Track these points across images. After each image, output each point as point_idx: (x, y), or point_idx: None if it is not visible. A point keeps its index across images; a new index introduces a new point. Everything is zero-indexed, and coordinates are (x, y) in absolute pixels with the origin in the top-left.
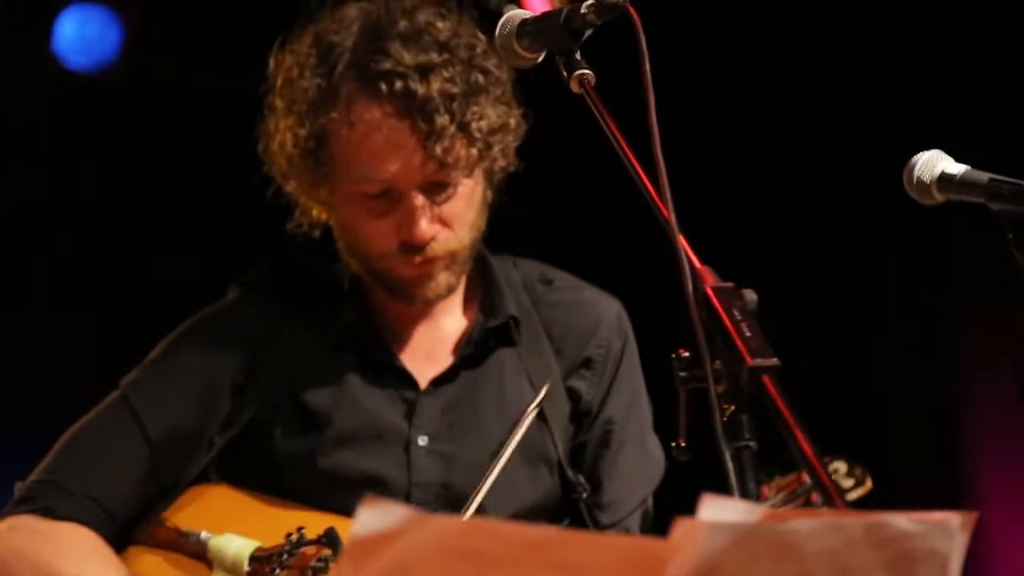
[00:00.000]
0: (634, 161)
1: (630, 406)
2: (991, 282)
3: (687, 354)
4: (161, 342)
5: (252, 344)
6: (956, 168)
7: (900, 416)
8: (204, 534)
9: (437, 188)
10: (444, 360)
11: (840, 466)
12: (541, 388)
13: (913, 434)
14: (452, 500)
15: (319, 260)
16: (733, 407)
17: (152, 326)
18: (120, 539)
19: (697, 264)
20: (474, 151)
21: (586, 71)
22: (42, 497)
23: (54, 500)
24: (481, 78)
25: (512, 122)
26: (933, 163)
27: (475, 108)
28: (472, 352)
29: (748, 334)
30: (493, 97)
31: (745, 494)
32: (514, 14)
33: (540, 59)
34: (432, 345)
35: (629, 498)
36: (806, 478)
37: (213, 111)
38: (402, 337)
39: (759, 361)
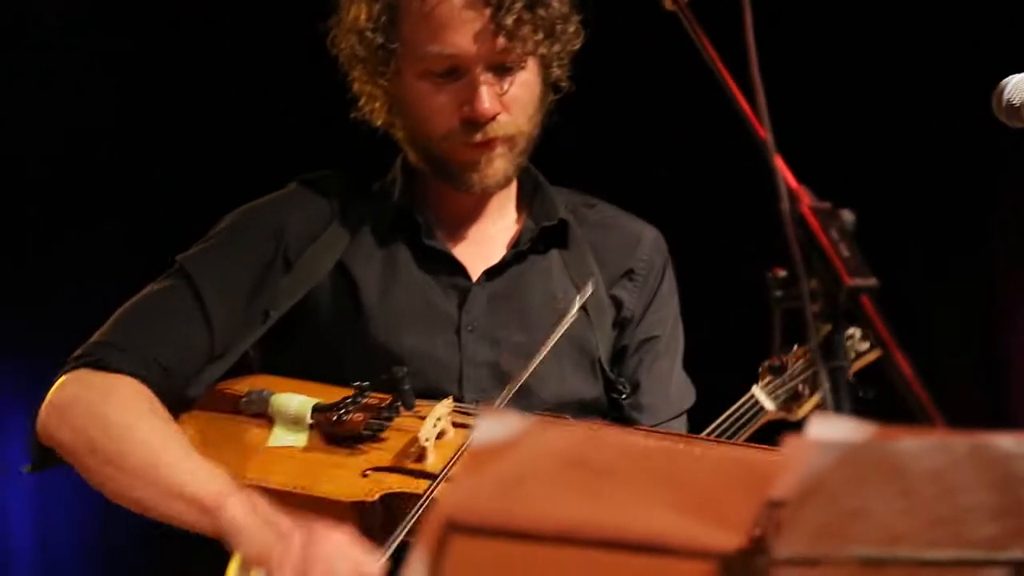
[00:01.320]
0: (729, 80)
1: (668, 324)
2: None
3: (783, 273)
4: (219, 222)
5: (307, 225)
6: None
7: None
8: (266, 391)
9: (501, 70)
10: (495, 254)
11: (855, 331)
12: (585, 287)
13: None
14: (503, 380)
15: (376, 166)
16: (829, 327)
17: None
18: (176, 405)
19: (793, 184)
20: (540, 34)
21: None
22: (98, 352)
23: (110, 356)
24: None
25: (573, 22)
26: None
27: (544, 16)
28: (523, 250)
29: (846, 254)
30: None
31: (839, 412)
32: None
33: None
34: (484, 240)
35: (666, 404)
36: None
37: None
38: (455, 230)
39: (858, 281)
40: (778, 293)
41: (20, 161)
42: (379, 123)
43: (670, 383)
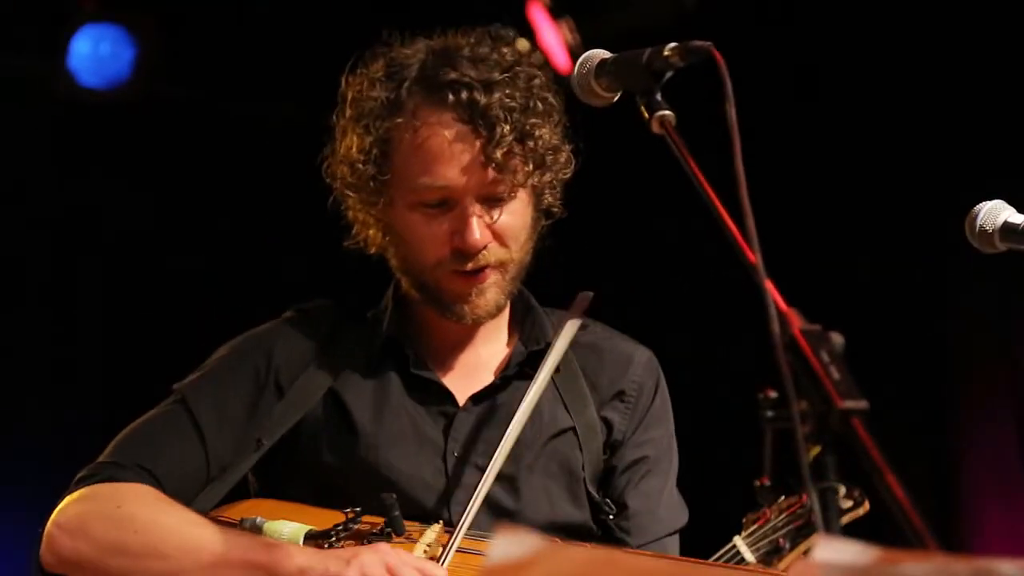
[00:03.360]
0: (718, 203)
1: (660, 444)
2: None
3: (773, 394)
4: (215, 352)
5: (300, 353)
6: (1019, 218)
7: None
8: (259, 519)
9: (492, 201)
10: (483, 380)
11: (840, 488)
12: (579, 413)
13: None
14: (489, 504)
15: (370, 295)
16: (819, 448)
17: (160, 339)
18: None
19: (783, 306)
20: (529, 165)
21: (667, 112)
22: (101, 472)
23: (117, 472)
24: (539, 103)
25: (563, 154)
26: (996, 213)
27: (533, 121)
28: (512, 375)
29: (837, 376)
30: (550, 122)
31: (830, 533)
32: (593, 53)
33: (616, 99)
34: (473, 366)
35: (655, 523)
36: (806, 500)
37: (224, 131)
38: (443, 356)
39: (849, 404)
40: (769, 414)
41: None
42: (372, 250)
43: (660, 502)
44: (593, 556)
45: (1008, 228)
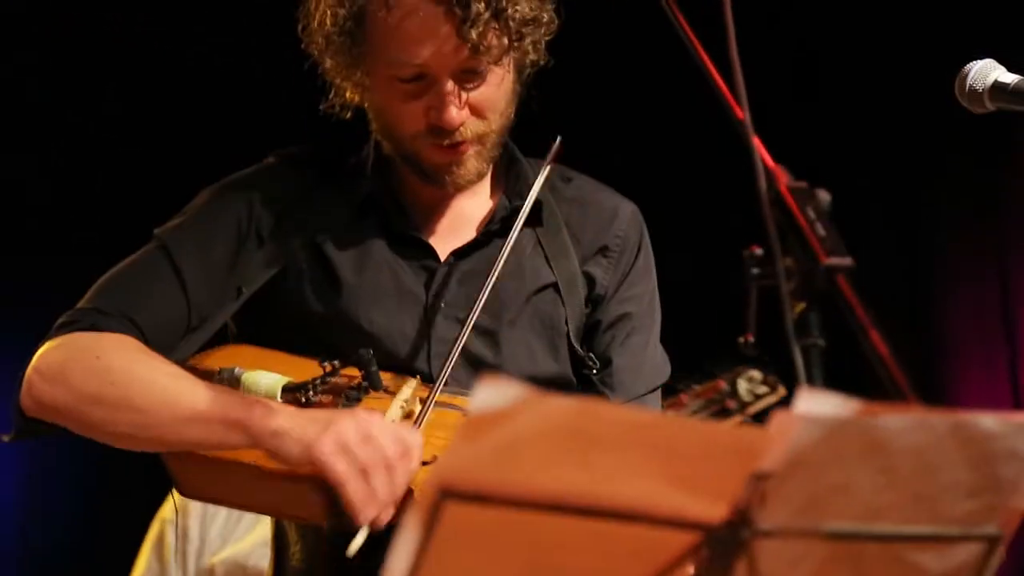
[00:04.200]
0: (708, 60)
1: (643, 300)
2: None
3: (759, 251)
4: (196, 197)
5: (282, 202)
6: (1009, 77)
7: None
8: (237, 369)
9: (469, 75)
10: (466, 236)
11: (755, 374)
12: (561, 269)
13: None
14: (468, 359)
15: (351, 142)
16: (803, 305)
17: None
18: None
19: (770, 163)
20: (506, 40)
21: None
22: (82, 318)
23: (95, 319)
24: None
25: (545, 16)
26: (986, 72)
27: (512, 11)
28: (495, 229)
29: (823, 233)
30: None
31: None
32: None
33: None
34: (455, 222)
35: (639, 380)
36: (723, 385)
37: None
38: (425, 214)
39: (834, 260)
40: (754, 270)
41: None
42: (349, 115)
43: (644, 359)
44: (577, 407)
45: (998, 87)
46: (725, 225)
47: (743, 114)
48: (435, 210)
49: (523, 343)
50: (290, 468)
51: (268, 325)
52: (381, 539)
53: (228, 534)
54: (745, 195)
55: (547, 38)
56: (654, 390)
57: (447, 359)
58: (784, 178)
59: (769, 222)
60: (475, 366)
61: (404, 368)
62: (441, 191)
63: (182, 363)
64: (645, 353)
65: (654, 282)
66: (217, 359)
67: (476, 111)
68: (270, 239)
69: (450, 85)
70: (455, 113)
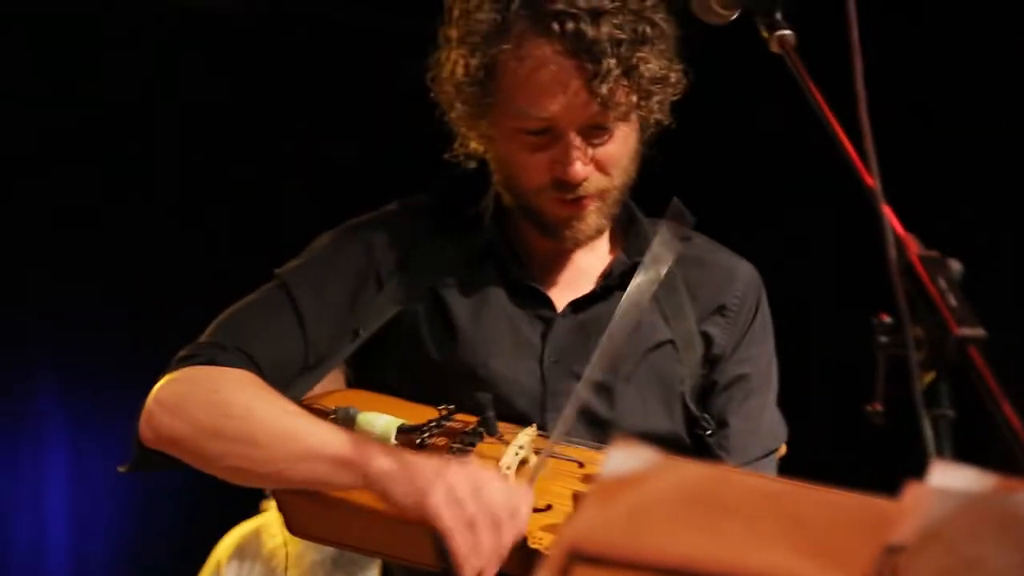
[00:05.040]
0: (836, 125)
1: (760, 361)
2: None
3: (888, 319)
4: (317, 239)
5: (402, 248)
6: None
7: None
8: (352, 409)
9: (595, 131)
10: (583, 289)
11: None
12: (678, 326)
13: None
14: (584, 413)
15: (472, 192)
16: (933, 375)
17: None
18: None
19: (901, 231)
20: (634, 97)
21: (787, 31)
22: (202, 352)
23: (214, 354)
24: (649, 29)
25: (672, 76)
26: None
27: (641, 54)
28: (614, 284)
29: (954, 303)
30: (658, 49)
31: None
32: None
33: (735, 16)
34: (573, 275)
35: (754, 444)
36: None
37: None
38: (543, 266)
39: (966, 331)
40: (883, 339)
41: None
42: (473, 164)
43: (760, 422)
44: (710, 473)
45: None
46: (852, 291)
47: (873, 181)
48: (553, 263)
49: (638, 399)
50: (399, 512)
51: (384, 369)
52: None
53: None
54: (875, 263)
55: (674, 98)
56: (770, 454)
57: (563, 410)
58: (915, 246)
59: (899, 290)
60: (590, 420)
61: (518, 418)
62: (560, 245)
63: (297, 402)
64: (762, 416)
65: (771, 344)
66: (332, 400)
67: (600, 167)
68: (389, 283)
69: (577, 139)
70: (580, 168)
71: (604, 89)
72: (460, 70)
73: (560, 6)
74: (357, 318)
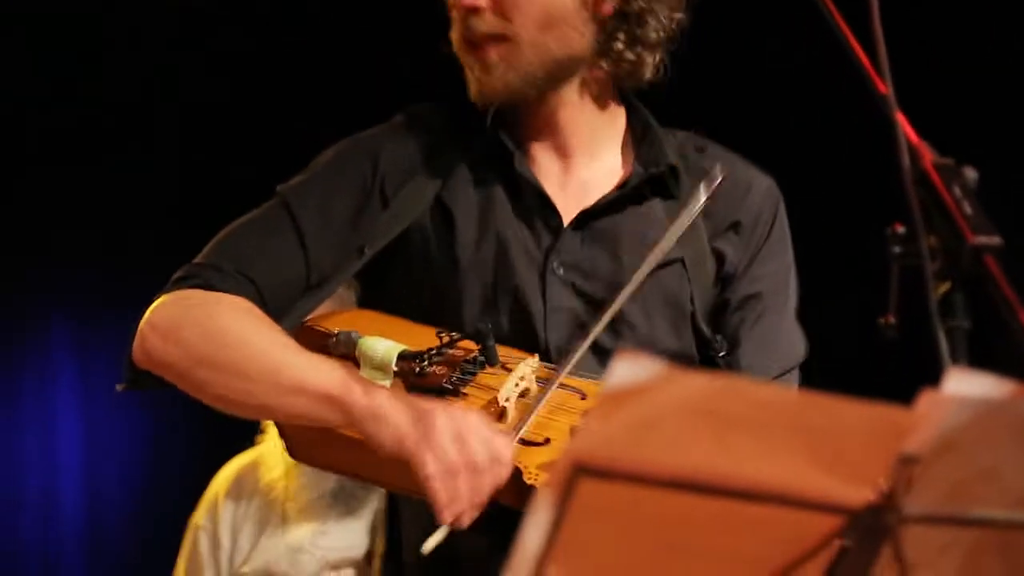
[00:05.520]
0: (847, 30)
1: (776, 278)
2: None
3: (902, 229)
4: (321, 155)
5: (408, 161)
6: None
7: None
8: (355, 333)
9: None
10: (592, 197)
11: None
12: (683, 240)
13: None
14: (583, 329)
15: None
16: (948, 285)
17: None
18: None
19: (915, 139)
20: None
21: None
22: (199, 274)
23: (211, 277)
24: None
25: None
26: None
27: None
28: (626, 195)
29: (969, 212)
30: None
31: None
32: None
33: None
34: (585, 183)
35: (768, 364)
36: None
37: None
38: (555, 170)
39: (981, 239)
40: (897, 249)
41: None
42: None
43: (777, 339)
44: (717, 385)
45: None
46: (867, 202)
47: (886, 88)
48: (565, 166)
49: (644, 319)
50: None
51: (393, 288)
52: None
53: (255, 541)
54: (887, 171)
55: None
56: (787, 372)
57: (563, 331)
58: (929, 155)
59: (913, 200)
60: (591, 347)
61: (522, 335)
62: (561, 133)
63: (300, 322)
64: (779, 334)
65: (789, 258)
66: (337, 322)
67: (499, 6)
68: (395, 199)
69: None
70: None
71: None
72: None
73: None
74: (362, 235)
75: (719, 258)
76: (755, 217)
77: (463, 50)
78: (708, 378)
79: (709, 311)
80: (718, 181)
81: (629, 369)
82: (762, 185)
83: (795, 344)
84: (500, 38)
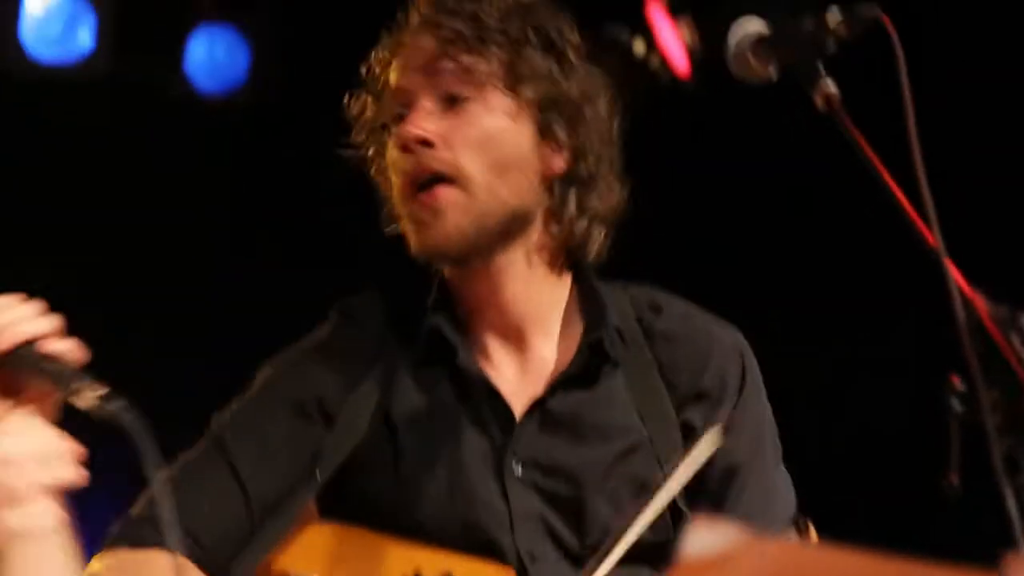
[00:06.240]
0: (891, 183)
1: (752, 444)
2: None
3: (960, 384)
4: (257, 374)
5: (347, 372)
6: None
7: None
8: None
9: (449, 101)
10: (541, 378)
11: None
12: (655, 421)
13: None
14: (554, 536)
15: (423, 278)
16: (1012, 441)
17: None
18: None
19: (968, 290)
20: (494, 64)
21: (832, 89)
22: (133, 531)
23: (145, 532)
24: (533, 32)
25: (558, 69)
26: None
27: (509, 34)
28: (575, 373)
29: None
30: (549, 50)
31: None
32: (748, 21)
33: (774, 76)
34: (537, 361)
35: (765, 529)
36: None
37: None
38: (503, 353)
39: None
40: (956, 405)
41: None
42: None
43: (765, 504)
44: (792, 551)
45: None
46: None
47: (935, 240)
48: (506, 346)
49: (612, 510)
50: None
51: (348, 501)
52: None
53: None
54: (941, 322)
55: (569, 97)
56: (783, 528)
57: (532, 534)
58: (983, 305)
59: (969, 353)
60: (557, 539)
61: (490, 543)
62: (506, 313)
63: (264, 555)
64: (766, 497)
65: (765, 412)
66: (293, 557)
67: (447, 141)
68: (339, 415)
69: (427, 104)
70: (421, 124)
71: (453, 48)
72: (363, 108)
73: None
74: (310, 462)
75: (688, 431)
76: (721, 383)
77: (405, 195)
78: (786, 543)
79: (683, 489)
80: (717, 440)
81: (708, 536)
82: (725, 343)
83: (785, 501)
84: (451, 180)
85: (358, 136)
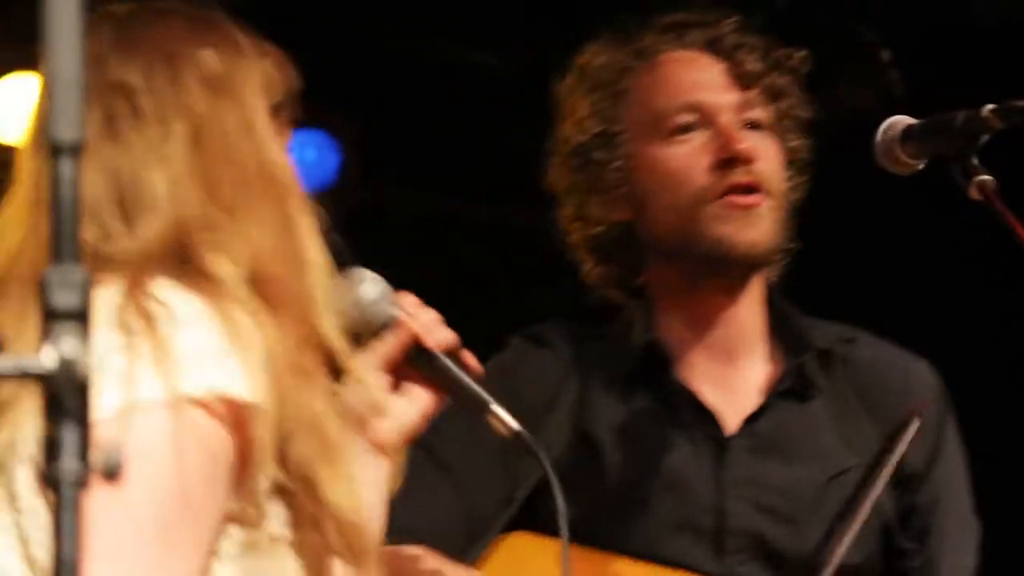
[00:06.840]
0: None
1: (956, 470)
2: None
3: None
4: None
5: (540, 394)
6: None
7: None
8: None
9: (752, 127)
10: (751, 398)
11: None
12: (860, 448)
13: None
14: (768, 556)
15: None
16: None
17: None
18: None
19: None
20: (772, 106)
21: (987, 177)
22: None
23: None
24: (787, 74)
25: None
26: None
27: (779, 78)
28: (787, 389)
29: None
30: (793, 88)
31: None
32: (898, 119)
33: (922, 166)
34: (744, 384)
35: (961, 567)
36: None
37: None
38: (713, 374)
39: None
40: None
41: None
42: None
43: (962, 541)
44: None
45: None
46: None
47: None
48: (715, 361)
49: (825, 533)
50: None
51: (540, 519)
52: None
53: None
54: None
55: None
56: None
57: (745, 553)
58: None
59: None
60: (771, 558)
61: (696, 562)
62: (712, 338)
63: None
64: (965, 531)
65: (959, 448)
66: (497, 570)
67: (766, 160)
68: (536, 435)
69: (735, 122)
70: (745, 143)
71: (746, 75)
72: (580, 113)
73: (693, 18)
74: (508, 485)
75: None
76: (928, 412)
77: (727, 208)
78: None
79: (891, 518)
80: (917, 425)
81: None
82: (925, 373)
83: (975, 534)
84: (769, 191)
85: (578, 134)
